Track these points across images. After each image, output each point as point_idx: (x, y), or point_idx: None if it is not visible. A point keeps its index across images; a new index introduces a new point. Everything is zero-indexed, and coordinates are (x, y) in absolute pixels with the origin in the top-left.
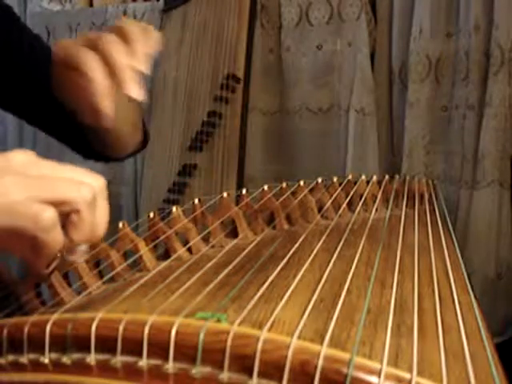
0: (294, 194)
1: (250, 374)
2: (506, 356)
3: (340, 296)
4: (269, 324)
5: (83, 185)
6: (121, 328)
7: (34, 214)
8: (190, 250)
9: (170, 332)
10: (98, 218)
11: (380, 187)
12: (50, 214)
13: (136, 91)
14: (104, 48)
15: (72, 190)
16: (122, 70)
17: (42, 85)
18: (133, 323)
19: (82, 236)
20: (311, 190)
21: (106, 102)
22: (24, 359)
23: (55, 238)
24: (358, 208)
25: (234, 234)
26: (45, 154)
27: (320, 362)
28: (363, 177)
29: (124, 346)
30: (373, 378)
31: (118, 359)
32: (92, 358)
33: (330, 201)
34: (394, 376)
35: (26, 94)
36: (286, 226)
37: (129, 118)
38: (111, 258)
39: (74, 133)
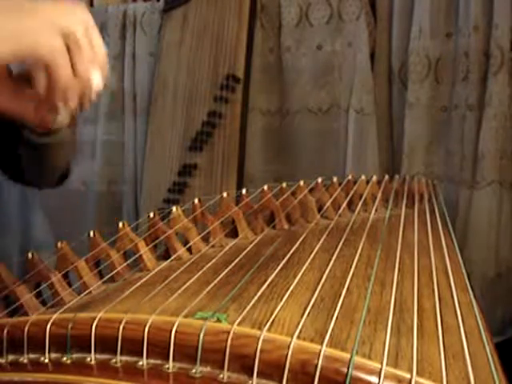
0: (293, 193)
1: (250, 374)
2: (506, 356)
3: (340, 296)
4: (269, 324)
5: (76, 16)
6: (121, 328)
7: (48, 41)
8: (189, 249)
9: (170, 332)
10: (95, 44)
11: (380, 187)
12: (60, 42)
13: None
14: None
15: (68, 21)
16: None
17: None
18: (133, 323)
19: (87, 61)
20: (311, 190)
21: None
22: (24, 359)
23: (66, 66)
24: (358, 208)
25: (233, 233)
26: None
27: (320, 362)
28: (363, 177)
29: (124, 345)
30: (373, 378)
31: (118, 359)
32: (92, 358)
33: (330, 201)
34: (393, 376)
35: None
36: (285, 226)
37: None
38: (111, 258)
39: (8, 159)
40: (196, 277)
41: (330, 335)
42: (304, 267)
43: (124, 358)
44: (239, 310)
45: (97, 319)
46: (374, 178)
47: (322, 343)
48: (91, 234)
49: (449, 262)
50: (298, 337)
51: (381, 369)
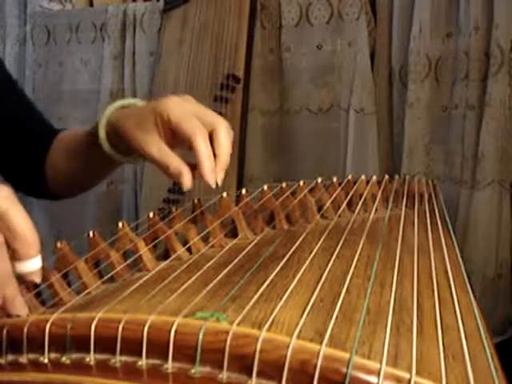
0: (293, 193)
1: (250, 374)
2: (506, 356)
3: (339, 296)
4: (268, 324)
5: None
6: (120, 328)
7: None
8: (189, 249)
9: (169, 332)
10: (21, 222)
11: (380, 187)
12: None
13: (220, 181)
14: (216, 132)
15: None
16: (222, 156)
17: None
18: (132, 323)
19: (21, 242)
20: (311, 190)
21: (208, 173)
22: (23, 359)
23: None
24: (358, 208)
25: (233, 233)
26: None
27: (319, 362)
28: (363, 177)
29: (123, 345)
30: (372, 378)
31: (118, 359)
32: (91, 358)
33: (330, 201)
34: (393, 376)
35: None
36: (285, 226)
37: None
38: (111, 258)
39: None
40: (195, 277)
41: (330, 335)
42: (304, 267)
43: (123, 358)
44: (239, 309)
45: (96, 319)
46: (374, 178)
47: (321, 343)
48: (91, 234)
49: (449, 262)
50: (298, 337)
51: (380, 369)
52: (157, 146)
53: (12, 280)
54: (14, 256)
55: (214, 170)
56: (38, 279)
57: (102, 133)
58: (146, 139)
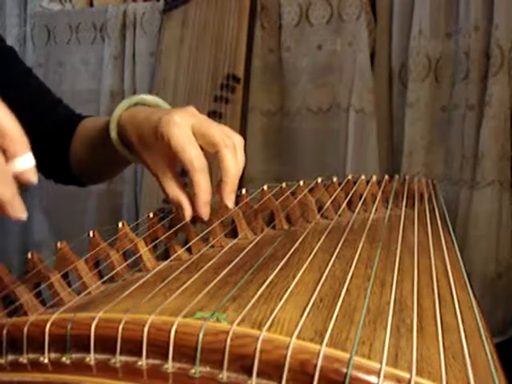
0: (293, 193)
1: (250, 374)
2: (506, 356)
3: (339, 296)
4: (268, 324)
5: None
6: (120, 328)
7: None
8: (189, 249)
9: (169, 332)
10: (4, 119)
11: (380, 187)
12: None
13: (230, 204)
14: (220, 153)
15: None
16: (229, 180)
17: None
18: (132, 323)
19: (7, 139)
20: (311, 190)
21: (203, 208)
22: (24, 359)
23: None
24: (358, 208)
25: (233, 233)
26: None
27: (319, 362)
28: (363, 177)
29: (123, 345)
30: (372, 378)
31: (118, 359)
32: (91, 358)
33: (330, 201)
34: (393, 376)
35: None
36: (285, 226)
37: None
38: (111, 258)
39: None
40: (195, 277)
41: (330, 335)
42: (304, 267)
43: (123, 358)
44: (239, 309)
45: (96, 319)
46: (374, 178)
47: (321, 343)
48: (91, 233)
49: (449, 261)
50: (298, 337)
51: (380, 369)
52: (160, 169)
53: (9, 178)
54: (5, 157)
55: (208, 204)
56: (33, 178)
57: (113, 135)
58: (150, 158)
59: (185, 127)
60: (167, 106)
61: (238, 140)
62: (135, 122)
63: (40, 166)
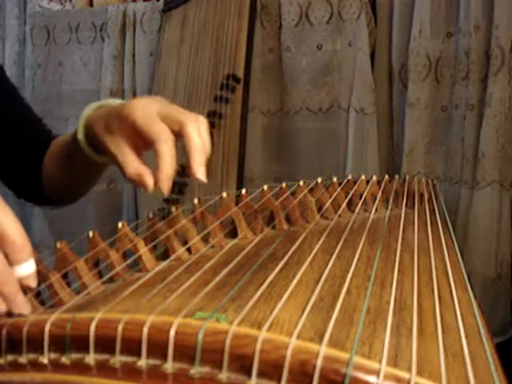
0: (293, 194)
1: (249, 374)
2: (506, 356)
3: (339, 296)
4: (268, 324)
5: None
6: (120, 328)
7: None
8: (189, 249)
9: (168, 332)
10: (10, 227)
11: (380, 187)
12: None
13: (202, 175)
14: (185, 129)
15: None
16: (194, 151)
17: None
18: (132, 323)
19: (11, 247)
20: (311, 190)
21: (164, 180)
22: (23, 359)
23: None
24: (358, 208)
25: (233, 233)
26: None
27: (319, 362)
28: (363, 177)
29: (123, 345)
30: (372, 378)
31: (117, 359)
32: (91, 358)
33: (330, 201)
34: (393, 376)
35: None
36: (285, 226)
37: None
38: (110, 258)
39: (29, 182)
40: (195, 277)
41: (330, 335)
42: (303, 267)
43: (123, 358)
44: (238, 310)
45: (96, 319)
46: (374, 178)
47: (321, 343)
48: (90, 234)
49: (449, 262)
50: (298, 337)
51: (380, 369)
52: (119, 149)
53: (12, 278)
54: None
55: (170, 179)
56: (32, 283)
57: (80, 136)
58: (111, 142)
59: (149, 109)
60: None
61: (203, 120)
62: (100, 115)
63: (12, 185)
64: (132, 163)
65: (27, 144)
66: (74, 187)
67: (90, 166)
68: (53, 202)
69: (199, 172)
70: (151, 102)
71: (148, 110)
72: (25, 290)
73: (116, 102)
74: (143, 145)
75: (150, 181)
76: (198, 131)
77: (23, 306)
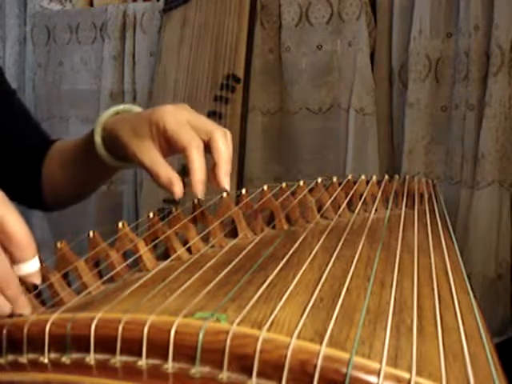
0: (293, 193)
1: (250, 374)
2: (506, 356)
3: (339, 296)
4: (268, 324)
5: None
6: (120, 328)
7: None
8: (189, 249)
9: (169, 332)
10: (15, 225)
11: (380, 187)
12: None
13: (227, 185)
14: (213, 137)
15: None
16: (222, 160)
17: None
18: (132, 323)
19: (15, 245)
20: (311, 190)
21: (198, 184)
22: (23, 359)
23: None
24: (358, 208)
25: (233, 233)
26: None
27: (319, 362)
28: (363, 177)
29: (123, 345)
30: (372, 378)
31: (118, 359)
32: (91, 358)
33: (330, 201)
34: (393, 376)
35: None
36: (285, 226)
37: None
38: (111, 258)
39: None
40: (195, 277)
41: (330, 335)
42: (304, 267)
43: (123, 358)
44: (238, 309)
45: (96, 319)
46: (374, 178)
47: (321, 343)
48: (91, 233)
49: (449, 262)
50: (298, 337)
51: (380, 369)
52: (149, 155)
53: (14, 279)
54: (11, 259)
55: (203, 182)
56: (37, 281)
57: (98, 139)
58: (139, 147)
59: (180, 116)
60: None
61: (229, 134)
62: (125, 120)
63: (5, 186)
64: (164, 171)
65: (25, 148)
66: (79, 191)
67: (101, 171)
68: (48, 206)
69: (225, 182)
70: (181, 109)
71: (178, 117)
72: (26, 288)
73: (136, 108)
74: (170, 150)
75: (180, 191)
76: (225, 142)
77: (25, 307)
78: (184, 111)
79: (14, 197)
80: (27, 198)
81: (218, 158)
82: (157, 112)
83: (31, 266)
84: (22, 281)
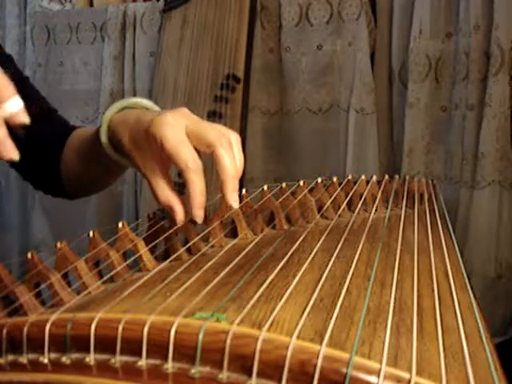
0: (293, 194)
1: (250, 374)
2: (506, 356)
3: (339, 296)
4: (268, 324)
5: None
6: (120, 328)
7: None
8: (189, 249)
9: (169, 332)
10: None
11: (380, 187)
12: None
13: (236, 202)
14: (216, 153)
15: None
16: (228, 179)
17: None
18: (132, 323)
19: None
20: (311, 190)
21: (197, 208)
22: (23, 359)
23: None
24: (358, 208)
25: (233, 233)
26: None
27: (319, 362)
28: (363, 177)
29: (123, 345)
30: (372, 378)
31: (118, 359)
32: (91, 358)
33: (330, 201)
34: (393, 376)
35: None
36: (285, 226)
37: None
38: (111, 258)
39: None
40: (195, 277)
41: (330, 335)
42: (304, 267)
43: (123, 358)
44: (239, 310)
45: (96, 319)
46: (374, 178)
47: (321, 343)
48: (91, 234)
49: (449, 262)
50: (298, 337)
51: (380, 369)
52: (151, 171)
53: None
54: None
55: (203, 206)
56: (25, 119)
57: (104, 139)
58: (141, 159)
59: (178, 128)
60: (157, 109)
61: (234, 137)
62: (126, 123)
63: (30, 176)
64: (164, 190)
65: (46, 134)
66: (91, 183)
67: (112, 165)
68: (70, 194)
69: (232, 200)
70: (180, 118)
71: (177, 129)
72: (16, 133)
73: (143, 102)
74: (170, 162)
75: (179, 215)
76: (229, 154)
77: (12, 150)
78: (183, 119)
79: (37, 186)
80: (50, 187)
81: (221, 175)
82: (155, 124)
83: (14, 105)
84: (22, 280)
